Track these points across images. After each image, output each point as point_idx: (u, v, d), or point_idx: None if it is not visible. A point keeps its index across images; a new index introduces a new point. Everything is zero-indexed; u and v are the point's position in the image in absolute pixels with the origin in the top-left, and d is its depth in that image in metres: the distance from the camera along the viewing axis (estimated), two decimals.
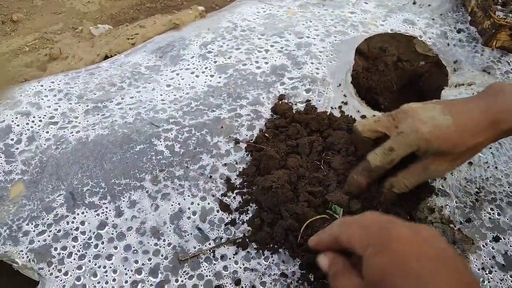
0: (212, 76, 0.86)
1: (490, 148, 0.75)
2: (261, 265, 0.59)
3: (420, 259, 0.39)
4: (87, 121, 0.77)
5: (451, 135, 0.54)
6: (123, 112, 0.79)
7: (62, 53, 1.24)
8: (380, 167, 0.57)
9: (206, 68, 0.88)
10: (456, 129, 0.54)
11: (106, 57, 1.08)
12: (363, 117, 0.78)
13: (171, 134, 0.74)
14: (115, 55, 1.03)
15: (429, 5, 1.06)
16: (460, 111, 0.55)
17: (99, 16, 1.52)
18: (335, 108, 0.80)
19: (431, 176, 0.59)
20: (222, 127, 0.75)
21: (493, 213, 0.67)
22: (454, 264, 0.40)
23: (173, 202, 0.65)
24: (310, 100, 0.80)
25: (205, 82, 0.85)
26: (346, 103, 0.81)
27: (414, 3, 1.07)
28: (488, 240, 0.63)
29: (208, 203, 0.65)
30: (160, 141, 0.73)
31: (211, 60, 0.90)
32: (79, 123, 0.77)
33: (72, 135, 0.74)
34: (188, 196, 0.65)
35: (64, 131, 0.75)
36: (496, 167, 0.73)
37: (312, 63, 0.89)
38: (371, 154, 0.58)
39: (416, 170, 0.58)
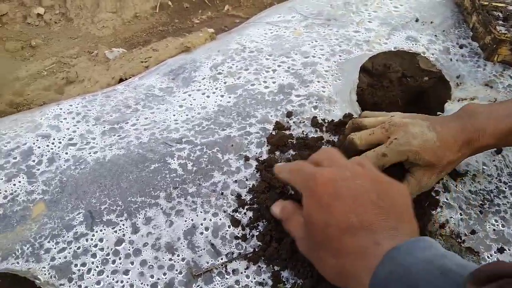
0: (222, 96, 0.90)
1: (494, 161, 0.77)
2: (271, 279, 0.61)
3: (332, 195, 0.48)
4: (104, 142, 0.81)
5: (437, 149, 0.62)
6: (138, 132, 0.83)
7: (79, 77, 1.29)
8: None
9: (216, 88, 0.92)
10: (440, 145, 0.62)
11: (121, 80, 1.13)
12: None
13: (184, 152, 0.77)
14: (130, 78, 1.08)
15: (431, 22, 1.09)
16: (443, 129, 0.63)
17: (113, 40, 1.58)
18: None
19: (424, 188, 0.66)
20: (232, 145, 0.79)
21: (497, 225, 0.68)
22: (367, 195, 0.48)
23: (187, 218, 0.68)
24: (316, 117, 0.83)
25: (215, 102, 0.89)
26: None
27: (417, 20, 1.10)
28: (493, 251, 0.65)
29: (220, 219, 0.68)
30: (174, 160, 0.76)
31: (221, 81, 0.94)
32: (97, 144, 0.80)
33: (90, 155, 0.78)
34: (201, 212, 0.68)
35: (82, 152, 0.79)
36: (499, 179, 0.75)
37: (318, 81, 0.93)
38: (365, 156, 0.64)
39: (410, 184, 0.64)
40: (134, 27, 1.64)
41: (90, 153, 0.79)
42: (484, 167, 0.76)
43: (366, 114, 0.74)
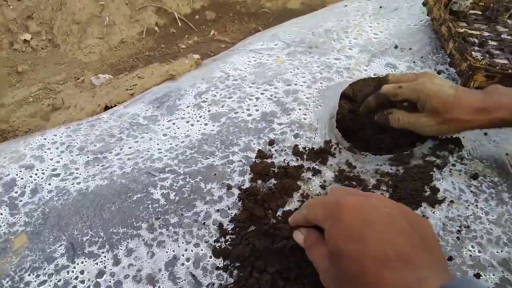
0: (206, 124, 0.92)
1: (471, 186, 0.79)
2: None
3: (363, 223, 0.43)
4: (88, 172, 0.81)
5: (448, 100, 0.70)
6: (121, 162, 0.83)
7: (65, 103, 1.30)
8: (386, 95, 0.78)
9: (200, 117, 0.94)
10: (454, 100, 0.70)
11: (106, 108, 1.14)
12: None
13: (167, 182, 0.78)
14: (115, 105, 1.09)
15: (410, 48, 1.12)
16: (463, 92, 0.72)
17: (99, 65, 1.60)
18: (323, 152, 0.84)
19: (419, 127, 0.76)
20: (215, 174, 0.80)
21: (474, 251, 0.70)
22: (400, 225, 0.44)
23: (168, 249, 0.68)
24: (297, 145, 0.85)
25: (199, 130, 0.90)
26: (332, 146, 0.85)
27: (396, 47, 1.13)
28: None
29: (202, 249, 0.68)
30: (157, 190, 0.77)
31: (205, 109, 0.96)
32: (80, 174, 0.81)
33: (73, 186, 0.79)
34: (183, 243, 0.69)
35: (65, 183, 0.79)
36: (476, 205, 0.76)
37: (300, 109, 0.95)
38: (385, 86, 0.78)
39: (412, 115, 0.76)
40: (120, 53, 1.66)
41: (73, 184, 0.79)
42: (461, 193, 0.78)
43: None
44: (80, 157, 0.85)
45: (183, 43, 1.71)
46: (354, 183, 0.79)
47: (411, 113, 0.77)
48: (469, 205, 0.76)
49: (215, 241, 0.69)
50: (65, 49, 1.62)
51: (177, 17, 1.78)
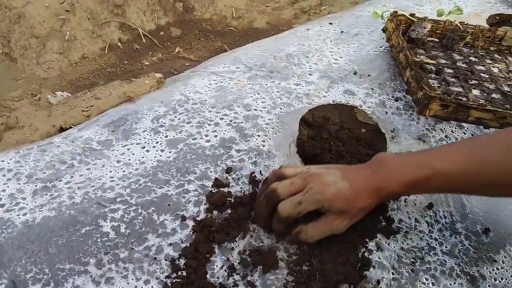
0: (162, 151, 0.89)
1: (425, 217, 0.80)
2: None
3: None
4: (35, 202, 0.78)
5: (348, 197, 0.67)
6: (71, 191, 0.80)
7: (19, 122, 1.25)
8: (289, 218, 0.69)
9: (157, 142, 0.92)
10: (352, 193, 0.67)
11: (61, 129, 1.10)
12: None
13: (118, 214, 0.75)
14: (70, 127, 1.06)
15: (369, 75, 1.14)
16: (354, 178, 0.69)
17: (58, 82, 1.55)
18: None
19: (335, 230, 0.70)
20: (169, 204, 0.78)
21: (427, 283, 0.70)
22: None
23: (117, 286, 0.65)
24: (253, 173, 0.84)
25: (155, 157, 0.88)
26: None
27: (355, 73, 1.15)
28: None
29: (152, 286, 0.66)
30: (106, 222, 0.74)
31: (163, 135, 0.94)
32: (27, 204, 0.77)
33: (19, 217, 0.75)
34: (132, 279, 0.66)
35: (10, 214, 0.75)
36: (430, 236, 0.77)
37: (258, 135, 0.94)
38: (282, 204, 0.69)
39: (323, 225, 0.69)
40: (81, 69, 1.62)
41: (18, 215, 0.75)
42: (416, 223, 0.79)
43: (286, 166, 0.81)
44: (28, 185, 0.81)
45: (147, 60, 1.68)
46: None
47: (319, 221, 0.70)
48: (423, 236, 0.77)
49: (166, 277, 0.67)
50: (22, 64, 1.56)
51: (141, 33, 1.75)
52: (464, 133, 1.00)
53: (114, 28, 1.73)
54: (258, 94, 1.06)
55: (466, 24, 1.27)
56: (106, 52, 1.69)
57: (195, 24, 1.90)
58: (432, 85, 1.09)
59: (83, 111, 1.11)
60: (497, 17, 1.58)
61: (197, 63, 1.69)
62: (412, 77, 1.06)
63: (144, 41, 1.75)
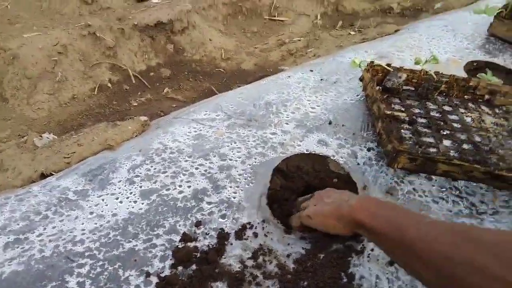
0: (135, 202, 0.92)
1: (387, 273, 0.82)
2: None
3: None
4: (5, 255, 0.80)
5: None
6: (42, 244, 0.82)
7: (3, 165, 1.28)
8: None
9: (131, 193, 0.94)
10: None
11: (42, 175, 1.13)
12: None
13: (85, 269, 0.77)
14: (51, 174, 1.08)
15: (343, 125, 1.18)
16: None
17: (47, 122, 1.58)
18: (249, 235, 0.86)
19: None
20: (135, 260, 0.80)
21: None
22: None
23: None
24: (223, 229, 0.86)
25: (127, 209, 0.90)
26: (256, 227, 0.87)
27: (330, 123, 1.18)
28: None
29: None
30: (72, 278, 0.76)
31: (137, 185, 0.96)
32: None
33: None
34: None
35: None
36: None
37: (230, 187, 0.96)
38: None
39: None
40: (70, 109, 1.66)
41: None
42: (377, 280, 0.81)
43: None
44: (1, 237, 0.83)
45: (135, 101, 1.72)
46: (275, 268, 0.80)
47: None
48: None
49: None
50: (13, 104, 1.61)
51: (131, 73, 1.80)
52: (433, 185, 1.02)
53: (105, 69, 1.78)
54: (235, 143, 1.09)
55: (441, 74, 1.31)
56: (96, 92, 1.73)
57: (185, 64, 1.95)
58: (404, 135, 1.12)
59: (65, 157, 1.14)
60: (475, 63, 1.62)
61: (184, 104, 1.73)
62: (383, 129, 1.09)
63: (134, 81, 1.80)
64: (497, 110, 1.32)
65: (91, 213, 0.89)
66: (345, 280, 0.80)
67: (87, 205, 0.91)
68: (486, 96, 1.34)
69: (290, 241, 0.86)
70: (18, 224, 0.86)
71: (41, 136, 1.42)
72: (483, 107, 1.32)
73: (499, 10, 1.77)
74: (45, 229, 0.86)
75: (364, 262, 0.83)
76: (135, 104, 1.72)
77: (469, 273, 0.52)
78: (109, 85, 1.78)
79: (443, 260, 0.56)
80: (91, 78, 1.76)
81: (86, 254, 0.80)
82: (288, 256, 0.83)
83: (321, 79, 1.39)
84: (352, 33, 2.31)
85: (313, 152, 1.08)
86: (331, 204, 0.81)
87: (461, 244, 0.56)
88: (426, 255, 0.59)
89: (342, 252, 0.84)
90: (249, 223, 0.88)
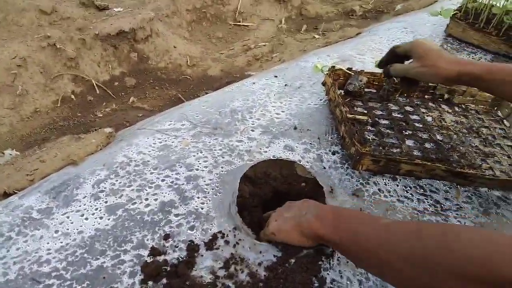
0: (101, 218, 0.91)
1: (358, 275, 0.84)
2: None
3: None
4: None
5: (430, 50, 1.02)
6: (6, 267, 0.80)
7: None
8: (393, 48, 1.13)
9: (96, 209, 0.93)
10: (434, 51, 1.01)
11: (4, 193, 1.10)
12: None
13: None
14: (14, 192, 1.05)
15: (308, 129, 1.20)
16: (444, 50, 1.01)
17: (9, 138, 1.54)
18: (220, 244, 0.86)
19: (408, 70, 1.07)
20: (104, 277, 0.78)
21: None
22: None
23: None
24: (192, 241, 0.86)
25: (93, 225, 0.89)
26: (227, 235, 0.87)
27: (295, 128, 1.20)
28: None
29: None
30: None
31: (102, 200, 0.95)
32: None
33: None
34: None
35: None
36: None
37: (198, 197, 0.97)
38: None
39: (404, 65, 1.10)
40: (33, 123, 1.62)
41: None
42: (348, 281, 0.82)
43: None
44: None
45: (100, 111, 1.70)
46: (247, 277, 0.81)
47: (404, 64, 1.09)
48: None
49: None
50: None
51: (95, 84, 1.78)
52: (397, 185, 1.05)
53: (67, 81, 1.74)
54: (201, 152, 1.09)
55: None
56: (59, 105, 1.69)
57: (150, 73, 1.94)
58: (367, 137, 1.15)
59: (27, 175, 1.11)
60: None
61: (150, 113, 1.71)
62: (346, 133, 1.12)
63: (98, 92, 1.77)
64: (456, 109, 1.38)
65: (56, 231, 0.88)
66: (316, 284, 0.81)
67: (52, 223, 0.90)
68: (446, 95, 1.39)
69: (261, 248, 0.87)
70: None
71: (3, 153, 1.38)
72: (443, 106, 1.37)
73: (454, 12, 1.84)
74: (8, 251, 0.83)
75: (334, 265, 0.85)
76: (100, 115, 1.69)
77: (430, 273, 0.55)
78: (73, 96, 1.75)
79: (403, 264, 0.59)
80: (53, 90, 1.72)
81: (53, 274, 0.78)
82: (259, 264, 0.84)
83: (285, 85, 1.41)
84: (317, 36, 2.35)
85: (280, 158, 1.09)
86: (291, 219, 0.82)
87: (416, 244, 0.58)
88: (390, 261, 0.61)
89: (312, 257, 0.85)
90: (220, 231, 0.89)
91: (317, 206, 0.82)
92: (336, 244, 0.73)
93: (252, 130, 1.18)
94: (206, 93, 1.41)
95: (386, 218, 0.74)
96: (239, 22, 2.47)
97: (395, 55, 1.15)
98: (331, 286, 0.82)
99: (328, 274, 0.84)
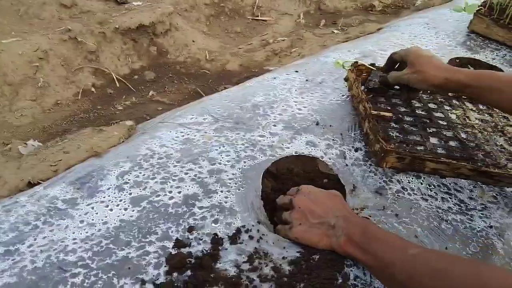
0: (125, 209, 0.91)
1: None
2: None
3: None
4: None
5: (421, 56, 1.09)
6: (33, 255, 0.81)
7: None
8: (391, 56, 1.24)
9: (121, 200, 0.93)
10: (425, 58, 1.09)
11: (29, 183, 1.11)
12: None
13: (78, 279, 0.76)
14: (38, 183, 1.07)
15: (330, 125, 1.19)
16: (436, 56, 1.11)
17: (31, 129, 1.56)
18: (244, 239, 0.86)
19: (401, 76, 1.16)
20: (129, 267, 0.79)
21: None
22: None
23: None
24: (216, 234, 0.86)
25: (118, 216, 0.90)
26: (250, 230, 0.87)
27: (317, 124, 1.19)
28: None
29: None
30: None
31: (127, 192, 0.95)
32: None
33: None
34: None
35: None
36: None
37: (221, 191, 0.97)
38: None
39: (399, 71, 1.18)
40: (54, 115, 1.63)
41: None
42: (372, 279, 0.82)
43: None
44: None
45: (120, 104, 1.71)
46: (271, 271, 0.81)
47: (398, 71, 1.15)
48: None
49: None
50: None
51: (115, 77, 1.79)
52: (421, 183, 1.04)
53: (88, 74, 1.76)
54: (223, 147, 1.09)
55: None
56: (79, 97, 1.71)
57: (169, 67, 1.94)
58: (391, 134, 1.14)
59: (51, 165, 1.13)
60: (457, 60, 1.66)
61: (169, 106, 1.72)
62: (370, 129, 1.11)
63: (118, 85, 1.78)
64: (481, 107, 1.36)
65: (82, 221, 0.88)
66: (340, 280, 0.81)
67: (77, 213, 0.90)
68: None
69: (285, 244, 0.87)
70: (7, 236, 0.85)
71: (25, 144, 1.40)
72: (468, 104, 1.35)
73: (478, 8, 1.81)
74: (35, 239, 0.84)
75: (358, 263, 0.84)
76: (120, 108, 1.70)
77: None
78: (93, 89, 1.76)
79: None
80: (74, 83, 1.74)
81: (79, 263, 0.79)
82: (283, 258, 0.84)
83: (307, 80, 1.40)
84: (336, 31, 2.33)
85: (302, 154, 1.09)
86: (318, 227, 0.84)
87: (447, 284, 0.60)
88: None
89: (336, 253, 0.84)
90: (243, 226, 0.89)
91: (344, 213, 0.84)
92: (365, 265, 0.78)
93: (274, 125, 1.18)
94: (225, 88, 1.40)
95: (414, 245, 0.73)
96: (257, 16, 2.46)
97: (393, 61, 1.21)
98: (355, 282, 0.81)
99: (351, 270, 0.83)
